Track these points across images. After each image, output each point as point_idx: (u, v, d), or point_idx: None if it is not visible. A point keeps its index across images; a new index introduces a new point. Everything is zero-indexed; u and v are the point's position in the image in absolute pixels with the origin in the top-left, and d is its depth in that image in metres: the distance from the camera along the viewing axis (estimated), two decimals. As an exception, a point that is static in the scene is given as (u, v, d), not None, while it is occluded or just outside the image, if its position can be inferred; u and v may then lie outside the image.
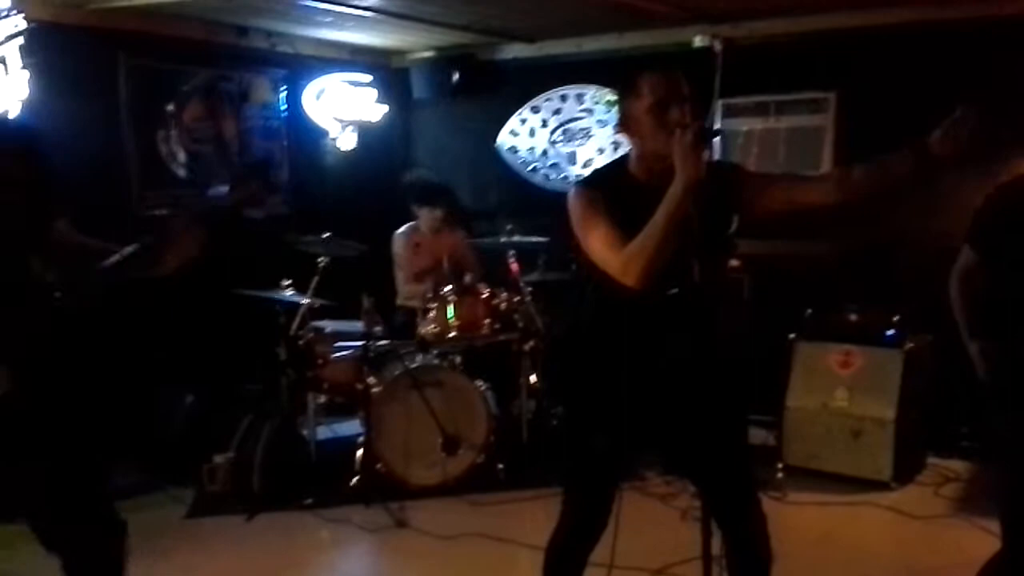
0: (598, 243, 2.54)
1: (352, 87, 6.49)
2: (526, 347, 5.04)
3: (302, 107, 6.37)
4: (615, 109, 2.68)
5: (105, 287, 2.45)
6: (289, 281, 4.83)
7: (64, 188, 2.60)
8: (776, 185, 2.72)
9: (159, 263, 2.49)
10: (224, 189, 2.62)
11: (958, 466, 4.87)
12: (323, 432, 5.02)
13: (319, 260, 4.90)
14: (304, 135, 6.40)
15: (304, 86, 6.36)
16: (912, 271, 5.00)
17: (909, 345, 4.67)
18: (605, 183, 2.66)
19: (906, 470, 4.67)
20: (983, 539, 3.71)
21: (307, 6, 5.28)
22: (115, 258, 2.43)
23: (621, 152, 2.70)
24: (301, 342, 4.73)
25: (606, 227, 2.52)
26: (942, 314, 3.64)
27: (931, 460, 4.91)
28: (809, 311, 5.00)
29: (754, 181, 2.68)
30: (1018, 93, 4.87)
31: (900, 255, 5.21)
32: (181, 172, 5.63)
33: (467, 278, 5.09)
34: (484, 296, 4.98)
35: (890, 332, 4.72)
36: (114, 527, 2.59)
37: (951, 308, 3.52)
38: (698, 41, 5.77)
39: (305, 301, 4.78)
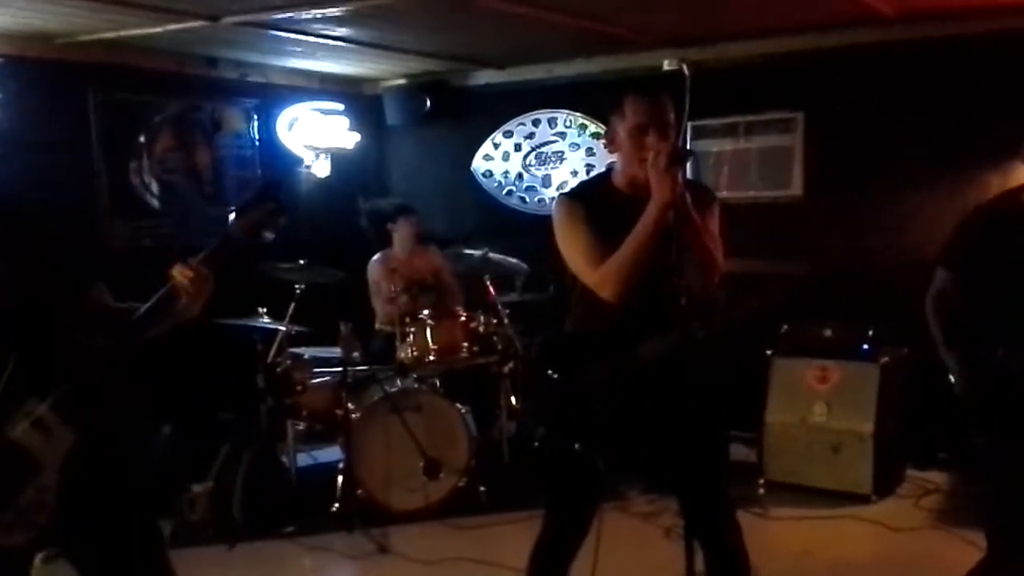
0: (578, 255, 2.61)
1: (324, 115, 6.50)
2: (505, 369, 5.04)
3: (275, 136, 6.38)
4: (588, 132, 2.74)
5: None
6: (266, 309, 4.80)
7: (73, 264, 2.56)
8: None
9: (184, 308, 2.44)
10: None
11: (937, 478, 4.92)
12: (303, 459, 4.98)
13: (296, 287, 4.89)
14: (277, 164, 6.40)
15: (276, 115, 6.38)
16: (884, 286, 5.07)
17: (884, 359, 4.72)
18: (589, 195, 2.72)
19: (886, 483, 4.71)
20: (964, 550, 3.73)
21: (277, 36, 5.31)
22: (144, 308, 2.38)
23: (595, 174, 2.75)
24: (279, 369, 4.70)
25: (586, 239, 2.59)
26: (916, 327, 3.69)
27: (910, 472, 4.95)
28: (785, 327, 5.05)
29: (707, 219, 2.64)
30: (982, 112, 4.98)
31: (872, 270, 5.29)
32: (154, 203, 5.62)
33: (446, 302, 5.10)
34: (462, 319, 4.98)
35: (865, 346, 4.78)
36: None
37: (924, 321, 3.58)
38: (667, 64, 5.84)
39: (282, 328, 4.76)
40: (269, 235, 2.54)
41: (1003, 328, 3.32)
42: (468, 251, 5.50)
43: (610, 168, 2.77)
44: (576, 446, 2.67)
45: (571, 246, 2.62)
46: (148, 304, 2.39)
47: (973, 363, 3.37)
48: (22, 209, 2.61)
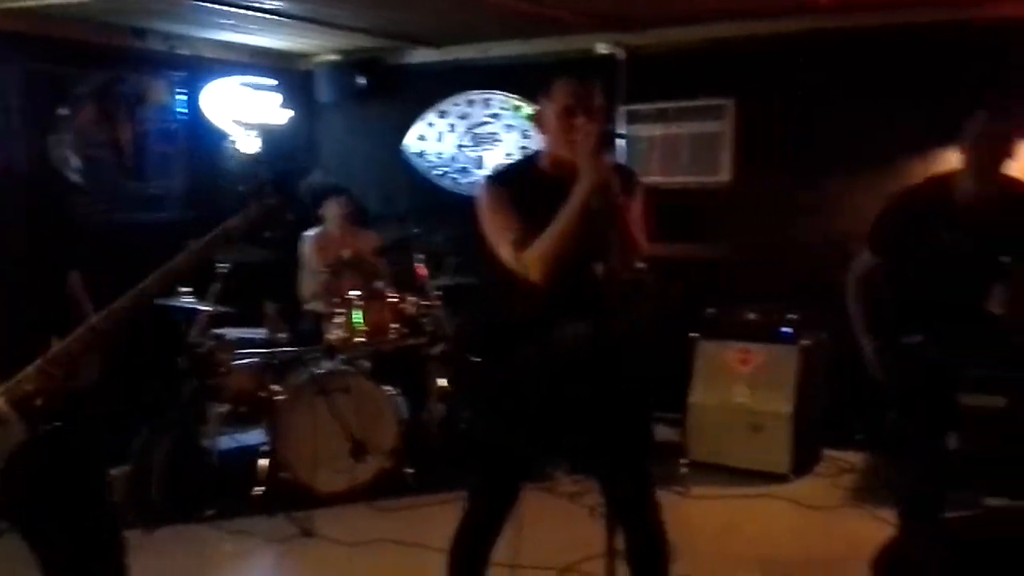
0: (503, 239, 2.60)
1: (253, 90, 6.38)
2: (435, 351, 5.02)
3: (202, 110, 6.23)
4: (522, 114, 2.75)
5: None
6: (188, 288, 4.70)
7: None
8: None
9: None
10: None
11: (853, 458, 5.05)
12: (226, 442, 4.90)
13: (219, 266, 4.79)
14: (203, 139, 6.25)
15: (203, 88, 6.23)
16: (806, 270, 5.18)
17: (804, 342, 4.83)
18: (515, 178, 2.73)
19: (804, 462, 4.83)
20: (878, 527, 3.86)
21: (206, 7, 5.17)
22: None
23: (521, 156, 2.75)
24: (201, 350, 4.61)
25: (511, 222, 2.59)
26: (835, 311, 3.80)
27: (827, 452, 5.08)
28: (709, 310, 5.13)
29: (631, 203, 2.65)
30: (906, 100, 5.10)
31: (794, 255, 5.40)
32: (75, 178, 5.44)
33: (376, 283, 5.06)
34: (392, 300, 4.95)
35: (786, 329, 4.88)
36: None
37: (843, 306, 3.67)
38: (601, 48, 5.86)
39: (205, 308, 4.67)
40: (273, 232, 2.46)
41: (924, 315, 3.42)
42: (400, 236, 5.47)
43: (536, 151, 2.77)
44: (499, 427, 2.69)
45: (497, 229, 2.62)
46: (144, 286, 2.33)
47: (893, 351, 3.47)
48: None
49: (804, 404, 4.75)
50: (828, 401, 5.02)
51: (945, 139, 3.50)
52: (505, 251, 2.60)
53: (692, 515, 4.38)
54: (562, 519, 4.26)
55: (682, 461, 4.88)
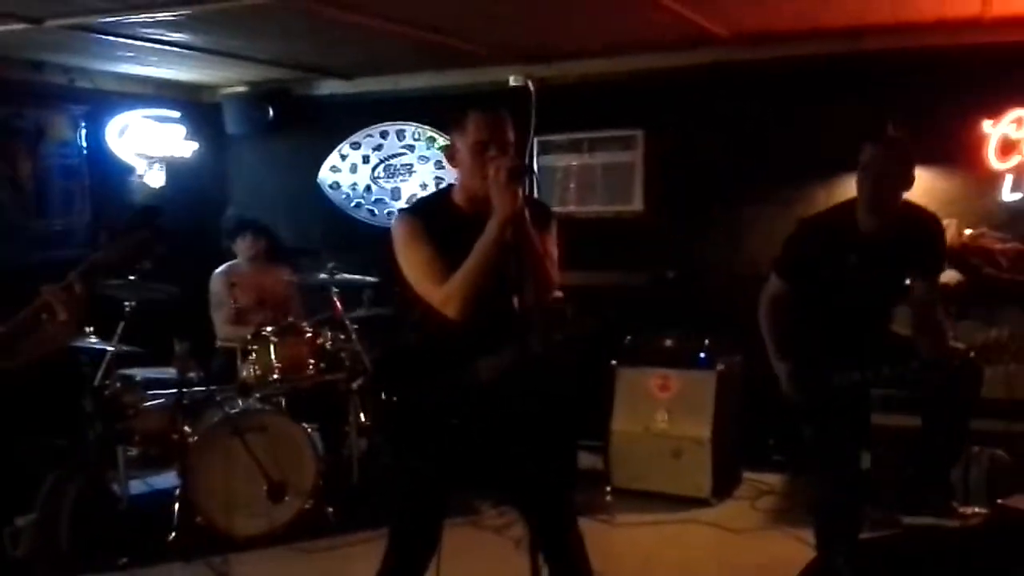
0: (419, 273, 2.60)
1: (158, 123, 6.23)
2: (354, 386, 4.94)
3: (105, 144, 6.05)
4: (436, 145, 2.74)
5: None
6: (92, 328, 4.53)
7: None
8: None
9: (53, 336, 2.22)
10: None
11: (772, 479, 5.14)
12: (137, 487, 4.72)
13: (125, 304, 4.62)
14: (108, 173, 6.08)
15: (106, 122, 6.06)
16: (720, 296, 5.29)
17: (720, 366, 4.91)
18: (429, 211, 2.72)
19: (724, 486, 4.89)
20: (798, 548, 3.94)
21: (105, 40, 5.04)
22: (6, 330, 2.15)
23: (435, 190, 2.75)
24: (108, 392, 4.44)
25: (427, 257, 2.58)
26: (748, 336, 3.87)
27: (746, 475, 5.16)
28: (628, 338, 5.18)
29: (544, 237, 2.65)
30: (810, 128, 5.28)
31: (708, 282, 5.51)
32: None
33: (290, 319, 4.96)
34: (308, 335, 4.86)
35: (703, 355, 4.96)
36: None
37: (757, 330, 3.75)
38: (513, 80, 5.92)
39: (111, 348, 4.50)
40: (145, 264, 2.38)
41: (831, 337, 3.52)
42: (315, 269, 5.39)
43: (450, 185, 2.77)
44: (414, 465, 2.65)
45: (412, 264, 2.61)
46: (10, 326, 2.17)
47: (802, 373, 3.56)
48: None
49: (722, 428, 4.83)
50: (746, 424, 5.11)
51: (849, 166, 3.62)
52: (422, 285, 2.60)
53: (617, 543, 4.38)
54: (486, 552, 4.22)
55: (606, 488, 4.90)
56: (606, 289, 5.51)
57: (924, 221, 3.57)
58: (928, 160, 4.83)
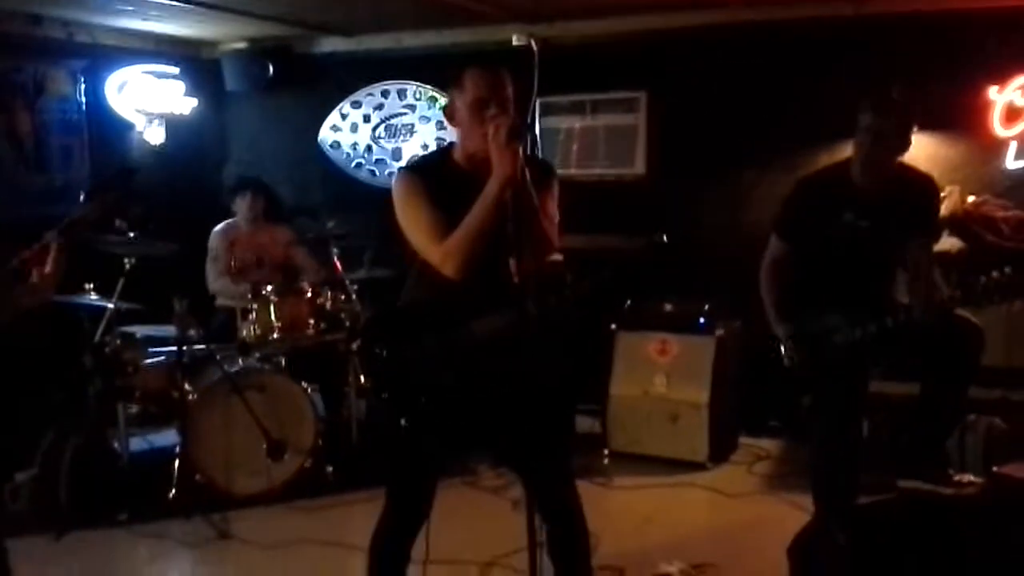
0: (419, 231, 2.59)
1: (157, 79, 6.17)
2: (354, 346, 4.93)
3: (104, 100, 6.00)
4: (438, 105, 2.72)
5: None
6: (93, 284, 4.52)
7: None
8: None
9: (36, 287, 2.21)
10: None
11: (768, 445, 5.16)
12: (137, 443, 4.75)
13: (125, 261, 4.61)
14: (107, 129, 6.03)
15: (105, 78, 6.01)
16: (720, 261, 5.27)
17: (719, 332, 4.92)
18: (429, 170, 2.70)
19: (721, 450, 4.91)
20: (794, 514, 3.96)
21: (105, -8, 4.98)
22: None
23: (435, 149, 2.73)
24: (108, 349, 4.44)
25: (427, 215, 2.57)
26: (748, 301, 3.87)
27: (743, 440, 5.18)
28: (628, 302, 5.18)
29: (544, 197, 2.64)
30: (814, 92, 5.23)
31: (709, 246, 5.48)
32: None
33: (301, 278, 4.96)
34: (308, 295, 4.85)
35: (702, 320, 4.96)
36: None
37: (757, 295, 3.75)
38: (516, 40, 5.85)
39: (110, 305, 4.49)
40: (121, 223, 2.41)
41: (831, 298, 3.52)
42: (315, 229, 5.37)
43: (451, 144, 2.75)
44: (402, 422, 2.66)
45: (412, 221, 2.60)
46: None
47: (803, 336, 3.56)
48: None
49: (720, 393, 4.84)
50: (743, 389, 5.12)
51: (852, 131, 3.60)
52: (422, 243, 2.59)
53: (614, 505, 4.42)
54: (485, 513, 4.25)
55: (604, 452, 4.92)
56: (607, 252, 5.48)
57: (919, 183, 3.57)
58: (932, 126, 4.81)
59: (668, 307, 5.07)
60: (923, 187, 3.59)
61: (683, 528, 4.23)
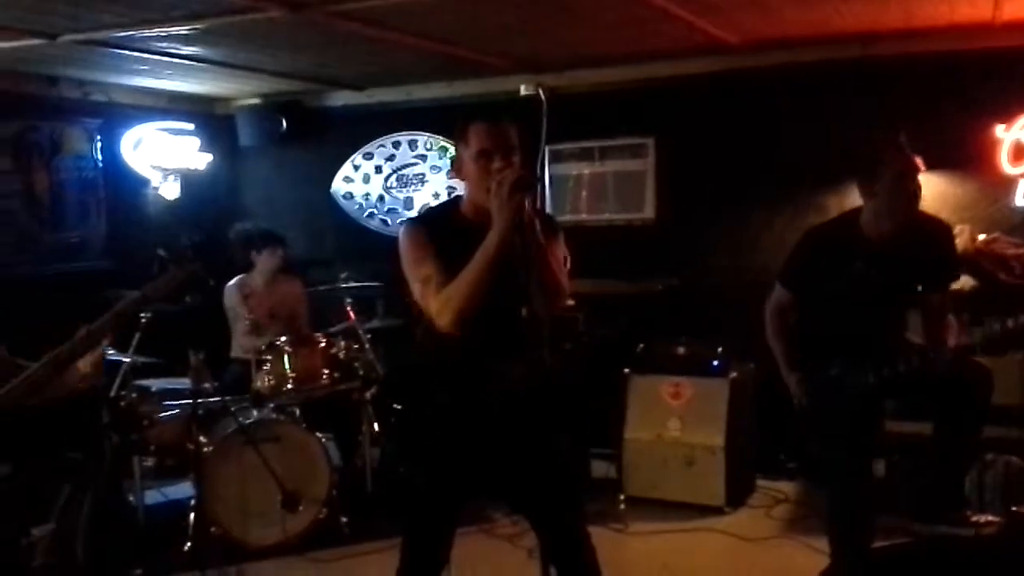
0: (418, 281, 2.60)
1: (172, 135, 6.28)
2: (368, 395, 4.96)
3: (120, 157, 6.11)
4: (448, 155, 2.76)
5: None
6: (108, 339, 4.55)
7: None
8: None
9: (86, 377, 2.22)
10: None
11: (786, 487, 5.11)
12: (153, 496, 4.75)
13: (141, 315, 4.66)
14: (123, 186, 6.14)
15: (121, 135, 6.12)
16: (732, 303, 5.27)
17: (733, 374, 4.90)
18: (435, 221, 2.73)
19: (738, 494, 4.87)
20: (812, 558, 3.92)
21: (120, 54, 5.09)
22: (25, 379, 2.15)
23: (443, 200, 2.76)
24: (123, 403, 4.47)
25: (429, 267, 2.58)
26: (761, 343, 3.87)
27: (760, 483, 5.13)
28: (640, 345, 5.18)
29: (551, 245, 2.64)
30: (819, 135, 5.27)
31: (721, 289, 5.51)
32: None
33: (303, 330, 4.98)
34: (321, 345, 4.88)
35: (715, 362, 4.94)
36: None
37: (768, 339, 3.75)
38: (524, 90, 5.93)
39: (126, 359, 4.53)
40: (193, 298, 2.37)
41: (842, 345, 3.51)
42: (328, 280, 5.41)
43: (458, 196, 2.78)
44: (416, 474, 2.65)
45: (413, 272, 2.61)
46: (30, 373, 2.16)
47: (813, 383, 3.55)
48: None
49: (736, 435, 4.81)
50: (759, 431, 5.10)
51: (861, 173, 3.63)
52: (420, 294, 2.60)
53: (630, 552, 4.37)
54: (500, 562, 4.22)
55: (620, 497, 4.89)
56: (618, 297, 5.50)
57: (933, 230, 3.56)
58: (941, 165, 4.85)
59: (680, 350, 5.06)
60: (938, 234, 3.57)
61: (702, 574, 4.18)
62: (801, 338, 3.63)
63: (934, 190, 4.81)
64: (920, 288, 3.52)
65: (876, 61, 5.15)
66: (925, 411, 3.72)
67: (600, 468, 5.14)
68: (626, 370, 5.06)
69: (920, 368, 3.40)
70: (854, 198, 4.29)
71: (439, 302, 2.52)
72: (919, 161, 3.50)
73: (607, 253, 5.62)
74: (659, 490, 4.87)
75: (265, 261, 5.46)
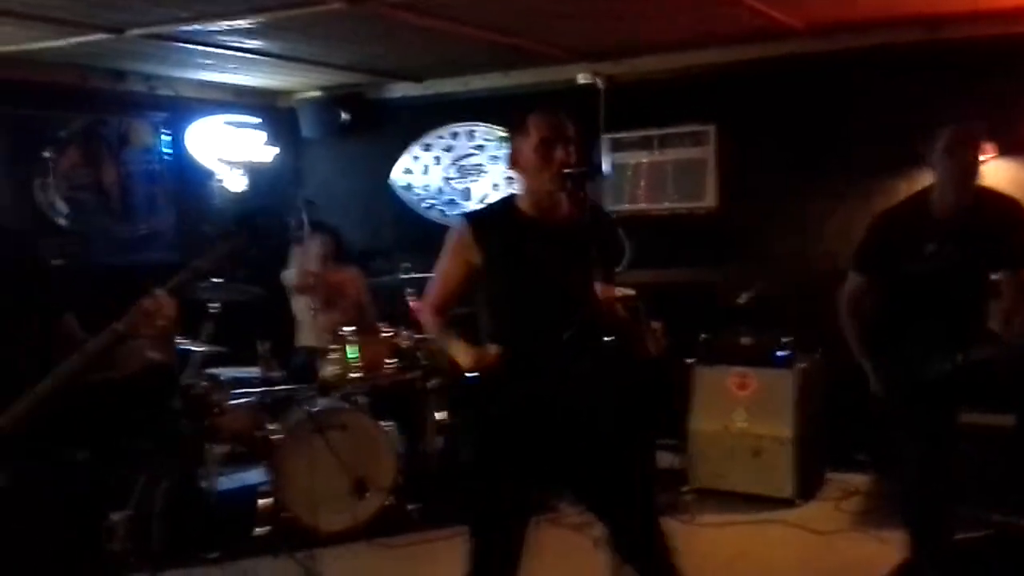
0: (433, 279, 2.78)
1: (237, 128, 6.37)
2: (431, 384, 4.99)
3: (185, 150, 6.21)
4: (507, 144, 2.78)
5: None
6: (180, 329, 4.65)
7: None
8: None
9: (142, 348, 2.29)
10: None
11: (857, 480, 5.03)
12: (225, 482, 4.83)
13: (210, 306, 4.74)
14: (190, 178, 6.24)
15: (186, 128, 6.21)
16: (799, 292, 5.20)
17: (801, 364, 4.84)
18: (491, 219, 2.77)
19: (808, 486, 4.82)
20: (883, 551, 3.86)
21: (185, 48, 5.18)
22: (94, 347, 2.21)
23: (516, 186, 2.79)
24: (195, 391, 4.55)
25: (442, 267, 2.75)
26: (831, 331, 3.80)
27: (830, 475, 5.07)
28: (704, 336, 5.14)
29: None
30: (885, 119, 5.17)
31: (786, 277, 5.42)
32: (61, 221, 5.40)
33: (366, 319, 5.04)
34: (385, 335, 4.93)
35: (781, 353, 4.89)
36: None
37: (838, 327, 3.69)
38: (581, 78, 5.91)
39: (198, 349, 4.62)
40: (238, 271, 2.44)
41: (918, 330, 3.44)
42: (389, 270, 5.45)
43: (512, 194, 2.81)
44: (494, 469, 2.66)
45: (435, 268, 2.77)
46: (97, 342, 2.22)
47: (890, 369, 3.49)
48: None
49: (805, 427, 4.76)
50: (829, 422, 5.03)
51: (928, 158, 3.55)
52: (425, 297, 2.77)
53: (698, 544, 4.33)
54: (568, 551, 4.21)
55: (684, 488, 4.86)
56: (679, 286, 5.45)
57: (1005, 208, 3.47)
58: (1010, 151, 4.73)
59: (745, 340, 5.01)
60: (1008, 210, 3.49)
61: (772, 567, 4.15)
62: (876, 324, 3.57)
63: (1005, 175, 4.70)
64: (994, 268, 3.44)
65: (943, 44, 5.03)
66: (1005, 401, 3.64)
67: (665, 459, 5.11)
68: (690, 361, 5.03)
69: (998, 352, 3.32)
70: (922, 184, 4.22)
71: (422, 305, 2.82)
72: (978, 136, 3.41)
73: (667, 242, 5.58)
74: (726, 481, 4.84)
75: (311, 248, 5.52)
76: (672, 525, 4.09)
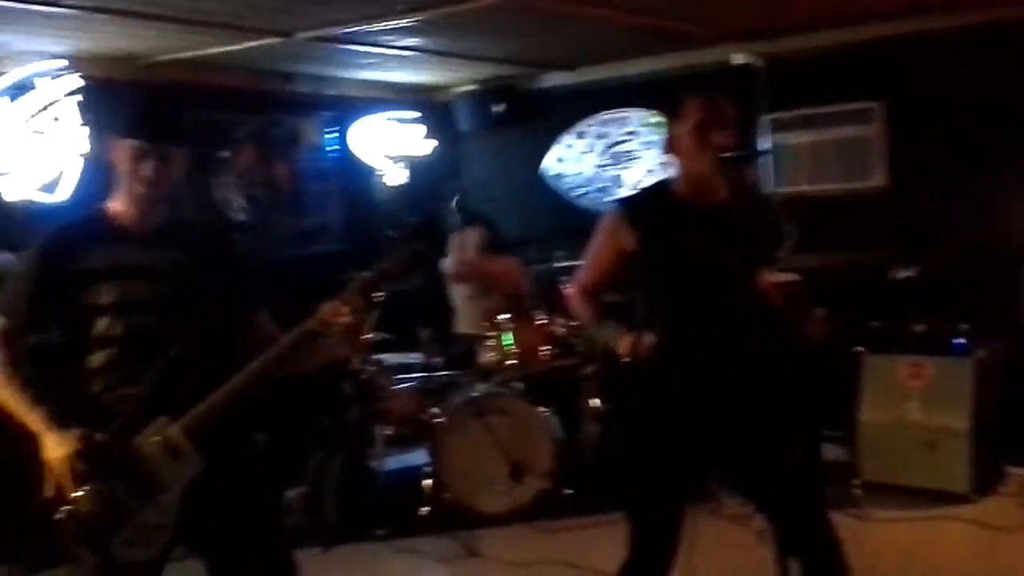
0: (585, 263, 2.77)
1: (398, 124, 6.58)
2: (587, 371, 5.02)
3: (351, 147, 6.47)
4: (661, 130, 2.77)
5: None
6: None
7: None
8: None
9: (333, 349, 2.44)
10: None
11: (1038, 475, 4.73)
12: (391, 463, 5.04)
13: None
14: (354, 174, 6.50)
15: (351, 126, 6.47)
16: (977, 277, 4.90)
17: (980, 353, 4.57)
18: (645, 204, 2.76)
19: (985, 481, 4.55)
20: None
21: (349, 49, 5.39)
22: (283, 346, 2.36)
23: (670, 172, 2.76)
24: (363, 376, 4.75)
25: (593, 253, 2.74)
26: (1012, 319, 3.57)
27: (1010, 470, 4.76)
28: (874, 323, 4.92)
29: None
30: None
31: (963, 262, 5.11)
32: (240, 217, 5.73)
33: (530, 306, 5.12)
34: (541, 322, 4.99)
35: (959, 341, 4.63)
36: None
37: (1021, 312, 3.46)
38: (735, 59, 5.77)
39: (366, 335, 4.81)
40: (416, 278, 2.51)
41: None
42: (544, 259, 5.50)
43: (667, 179, 2.78)
44: (646, 458, 2.65)
45: (588, 256, 2.76)
46: (289, 340, 2.36)
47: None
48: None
49: (982, 419, 4.50)
50: (1009, 416, 4.72)
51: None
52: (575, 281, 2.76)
53: (870, 539, 4.16)
54: (728, 543, 4.12)
55: (854, 482, 4.68)
56: (848, 271, 5.24)
57: None
58: None
59: (919, 328, 4.77)
60: None
61: (946, 565, 3.98)
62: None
63: None
64: None
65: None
66: None
67: (831, 451, 4.93)
68: (859, 349, 4.83)
69: None
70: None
71: (572, 290, 2.78)
72: None
73: (831, 224, 5.37)
74: (898, 475, 4.63)
75: (468, 238, 5.62)
76: (840, 520, 3.96)
